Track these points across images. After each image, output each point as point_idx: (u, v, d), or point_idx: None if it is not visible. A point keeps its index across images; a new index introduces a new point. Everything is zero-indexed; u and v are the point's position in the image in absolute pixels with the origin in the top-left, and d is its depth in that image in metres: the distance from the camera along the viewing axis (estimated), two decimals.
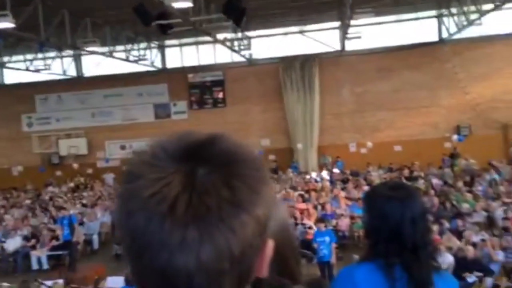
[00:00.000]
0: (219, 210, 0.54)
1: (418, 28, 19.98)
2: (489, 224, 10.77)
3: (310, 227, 11.34)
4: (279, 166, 19.76)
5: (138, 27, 14.56)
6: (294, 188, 15.32)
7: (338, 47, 20.35)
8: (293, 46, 20.60)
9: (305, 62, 19.95)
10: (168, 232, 0.53)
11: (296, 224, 11.92)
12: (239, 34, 17.56)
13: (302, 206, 12.91)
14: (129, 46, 18.18)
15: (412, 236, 1.71)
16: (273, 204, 0.61)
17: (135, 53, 18.61)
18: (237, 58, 20.11)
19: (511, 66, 19.14)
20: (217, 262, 0.53)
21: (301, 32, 20.52)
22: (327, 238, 9.32)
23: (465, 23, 16.66)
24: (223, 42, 16.60)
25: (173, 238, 0.53)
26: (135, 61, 18.90)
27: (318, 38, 20.37)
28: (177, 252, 0.53)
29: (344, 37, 18.83)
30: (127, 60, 18.26)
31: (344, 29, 18.66)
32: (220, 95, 21.20)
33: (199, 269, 0.53)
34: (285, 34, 20.68)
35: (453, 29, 18.31)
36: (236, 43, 18.07)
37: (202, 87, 21.28)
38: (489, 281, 8.03)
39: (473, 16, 15.85)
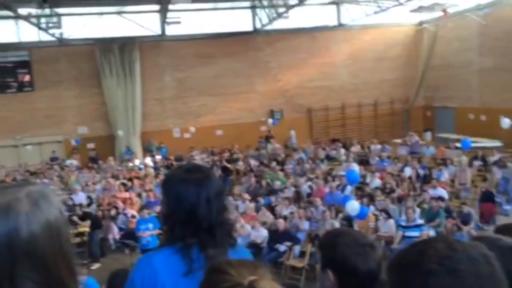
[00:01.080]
0: None
1: (235, 18, 20.96)
2: (297, 198, 12.05)
3: (133, 216, 11.05)
4: (99, 154, 18.69)
5: None
6: (116, 177, 14.70)
7: (158, 31, 20.03)
8: (111, 28, 19.48)
9: (124, 45, 19.08)
10: None
11: (118, 214, 11.49)
12: (47, 11, 15.82)
13: (125, 195, 12.48)
14: None
15: (207, 216, 1.75)
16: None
17: None
18: (45, 37, 18.12)
19: (314, 57, 21.61)
20: None
21: (119, 13, 19.52)
22: (150, 225, 9.20)
23: (274, 15, 18.12)
24: (27, 18, 14.74)
25: None
26: None
27: (137, 20, 19.67)
28: None
29: (164, 21, 18.61)
30: None
31: (163, 13, 18.44)
32: (27, 78, 18.85)
33: None
34: (101, 14, 19.41)
35: (265, 20, 19.73)
36: (43, 20, 16.25)
37: (3, 69, 18.60)
38: (297, 248, 9.01)
39: (281, 10, 17.32)
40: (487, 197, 10.78)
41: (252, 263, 1.07)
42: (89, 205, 12.30)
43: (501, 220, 9.79)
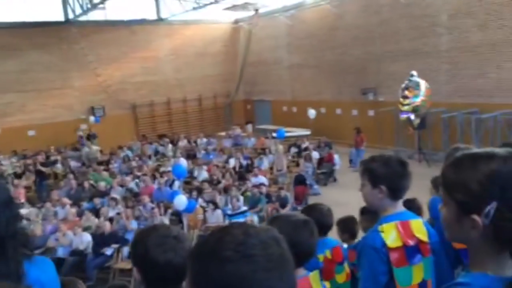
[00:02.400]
0: None
1: (43, 7, 18.95)
2: (125, 197, 11.56)
3: None
4: None
5: None
6: None
7: None
8: None
9: None
10: None
11: None
12: None
13: None
14: None
15: None
16: None
17: None
18: None
19: (135, 51, 21.00)
20: None
21: None
22: None
23: (89, 5, 16.97)
24: None
25: None
26: None
27: None
28: None
29: None
30: None
31: None
32: None
33: None
34: None
35: (78, 10, 18.34)
36: None
37: None
38: (125, 249, 8.66)
39: (96, 0, 16.30)
40: (299, 181, 12.02)
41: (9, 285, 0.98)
42: None
43: (312, 200, 11.02)
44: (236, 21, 23.27)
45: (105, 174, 13.54)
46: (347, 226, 4.03)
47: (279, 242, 1.02)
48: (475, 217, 1.09)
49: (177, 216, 9.45)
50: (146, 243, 1.69)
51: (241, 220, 9.28)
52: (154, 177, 12.65)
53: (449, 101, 13.99)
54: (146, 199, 10.19)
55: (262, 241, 0.99)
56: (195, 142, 18.24)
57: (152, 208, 9.65)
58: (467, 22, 13.47)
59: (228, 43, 23.52)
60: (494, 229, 1.08)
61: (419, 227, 2.30)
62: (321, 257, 3.08)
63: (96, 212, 10.21)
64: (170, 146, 17.51)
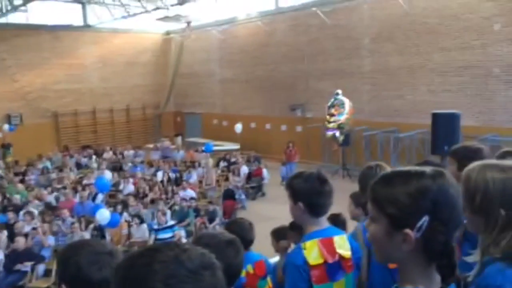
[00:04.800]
0: None
1: None
2: (42, 211, 10.85)
3: None
4: None
5: None
6: None
7: None
8: None
9: None
10: None
11: None
12: None
13: None
14: None
15: None
16: None
17: None
18: None
19: (60, 57, 20.00)
20: None
21: None
22: None
23: (9, 7, 15.97)
24: None
25: None
26: None
27: None
28: None
29: None
30: None
31: None
32: None
33: None
34: None
35: None
36: None
37: None
38: (41, 267, 8.11)
39: (17, 2, 15.38)
40: (228, 195, 12.02)
41: None
42: None
43: (240, 214, 11.05)
44: (168, 32, 23.01)
45: (21, 186, 12.63)
46: (281, 236, 4.05)
47: (214, 272, 0.97)
48: (408, 231, 1.13)
49: (99, 231, 9.02)
50: (79, 260, 1.58)
51: (168, 235, 9.07)
52: (75, 190, 12.03)
53: (371, 120, 14.78)
54: (66, 213, 9.65)
55: (195, 271, 0.93)
56: (122, 154, 17.63)
57: (72, 223, 9.14)
58: (388, 46, 14.39)
59: (159, 53, 23.16)
60: (425, 243, 1.13)
61: (343, 243, 2.34)
62: (243, 272, 3.08)
63: (9, 227, 9.47)
64: (94, 157, 16.78)
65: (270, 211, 10.51)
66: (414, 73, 13.80)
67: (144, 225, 9.44)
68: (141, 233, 9.31)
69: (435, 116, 9.70)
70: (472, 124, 11.89)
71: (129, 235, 9.40)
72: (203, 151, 16.48)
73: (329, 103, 14.05)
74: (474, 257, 1.55)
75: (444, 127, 9.32)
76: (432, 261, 1.16)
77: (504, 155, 2.72)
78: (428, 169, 1.20)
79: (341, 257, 2.30)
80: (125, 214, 9.97)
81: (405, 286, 1.19)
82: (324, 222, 2.37)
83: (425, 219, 1.12)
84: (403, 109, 14.16)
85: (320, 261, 2.23)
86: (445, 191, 1.15)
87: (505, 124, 11.64)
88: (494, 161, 1.61)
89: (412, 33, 13.70)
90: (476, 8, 12.14)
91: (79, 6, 20.77)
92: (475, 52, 12.34)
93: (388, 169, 1.27)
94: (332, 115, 13.84)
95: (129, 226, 9.51)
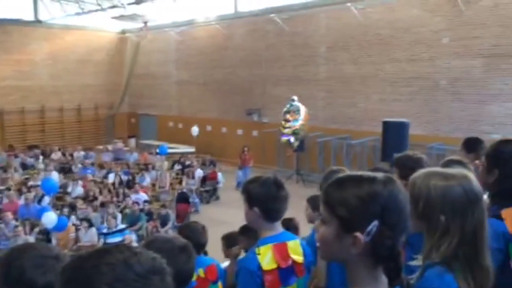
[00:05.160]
0: None
1: None
2: None
3: None
4: None
5: None
6: None
7: None
8: None
9: None
10: None
11: None
12: None
13: None
14: None
15: None
16: None
17: None
18: None
19: (7, 52, 19.09)
20: None
21: None
22: None
23: None
24: None
25: None
26: None
27: None
28: None
29: None
30: None
31: None
32: None
33: None
34: None
35: None
36: None
37: None
38: None
39: None
40: (182, 198, 11.86)
41: None
42: None
43: (194, 218, 10.93)
44: (124, 31, 22.49)
45: None
46: (231, 242, 4.04)
47: (163, 277, 0.95)
48: (358, 234, 1.15)
49: (45, 235, 8.66)
50: (23, 263, 1.51)
51: (118, 239, 8.82)
52: (20, 192, 11.48)
53: (325, 127, 15.07)
54: (9, 216, 9.17)
55: (144, 275, 0.91)
56: (71, 155, 17.02)
57: (16, 226, 8.72)
58: (343, 55, 14.76)
59: (114, 52, 22.57)
60: (373, 246, 1.15)
61: (296, 248, 2.36)
62: (194, 276, 3.04)
63: None
64: (41, 158, 16.09)
65: (224, 215, 10.46)
66: (366, 82, 14.22)
67: (93, 229, 9.14)
68: (90, 237, 9.01)
69: (385, 124, 10.00)
70: (420, 133, 12.38)
71: (76, 239, 9.08)
72: (157, 153, 16.20)
73: (285, 109, 14.21)
74: (417, 262, 1.61)
75: (393, 135, 9.63)
76: (379, 264, 1.19)
77: (448, 164, 2.85)
78: (380, 175, 1.23)
79: (294, 262, 2.32)
80: (72, 218, 9.64)
81: None
82: (278, 227, 2.38)
83: (374, 223, 1.15)
84: (356, 117, 14.54)
85: (274, 266, 2.24)
86: (395, 197, 1.18)
87: (450, 134, 12.20)
88: (438, 169, 1.67)
89: (365, 43, 14.12)
90: (426, 22, 12.70)
91: (30, 0, 19.93)
92: (424, 64, 12.88)
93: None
94: (287, 120, 14.00)
95: (77, 230, 9.19)
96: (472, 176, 1.60)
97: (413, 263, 1.63)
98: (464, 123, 12.17)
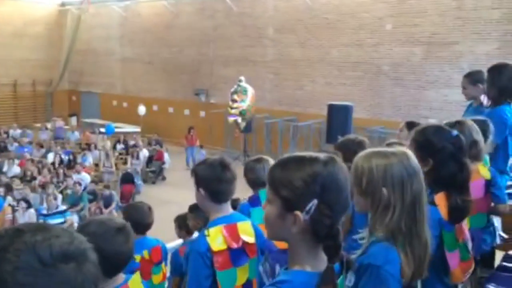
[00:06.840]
0: None
1: None
2: None
3: None
4: None
5: None
6: None
7: None
8: None
9: None
10: None
11: None
12: None
13: None
14: None
15: None
16: None
17: None
18: None
19: None
20: None
21: None
22: None
23: None
24: None
25: None
26: None
27: None
28: None
29: None
30: None
31: None
32: None
33: None
34: None
35: None
36: None
37: None
38: None
39: None
40: (127, 179, 11.62)
41: None
42: None
43: (139, 198, 10.75)
44: (63, 4, 21.31)
45: None
46: (184, 223, 4.02)
47: (79, 265, 0.82)
48: (298, 213, 1.19)
49: None
50: None
51: (59, 220, 8.54)
52: None
53: (272, 108, 15.22)
54: None
55: (50, 264, 0.79)
56: (6, 133, 16.11)
57: None
58: (290, 37, 14.87)
59: (53, 26, 21.36)
60: (312, 225, 1.20)
61: (246, 229, 2.37)
62: (138, 257, 3.02)
63: None
64: None
65: (170, 195, 10.39)
66: (313, 65, 14.45)
67: (32, 210, 8.79)
68: (28, 218, 8.65)
69: (330, 107, 10.24)
70: (363, 116, 12.81)
71: (13, 221, 8.67)
72: (100, 132, 15.69)
73: (232, 90, 14.18)
74: (361, 234, 1.68)
75: (338, 118, 9.89)
76: (319, 242, 1.23)
77: (391, 146, 2.98)
78: (322, 155, 1.27)
79: (245, 243, 2.34)
80: (9, 198, 9.20)
81: (293, 267, 1.25)
82: (228, 208, 2.39)
83: (313, 202, 1.19)
84: (302, 99, 14.78)
85: (224, 247, 2.26)
86: (334, 176, 1.22)
87: (391, 118, 12.73)
88: (379, 149, 1.76)
89: (313, 27, 14.30)
90: (371, 8, 13.04)
91: None
92: (368, 49, 13.27)
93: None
94: (234, 101, 13.98)
95: (14, 211, 8.78)
96: (411, 153, 1.69)
97: (358, 236, 1.70)
98: (404, 107, 12.74)
